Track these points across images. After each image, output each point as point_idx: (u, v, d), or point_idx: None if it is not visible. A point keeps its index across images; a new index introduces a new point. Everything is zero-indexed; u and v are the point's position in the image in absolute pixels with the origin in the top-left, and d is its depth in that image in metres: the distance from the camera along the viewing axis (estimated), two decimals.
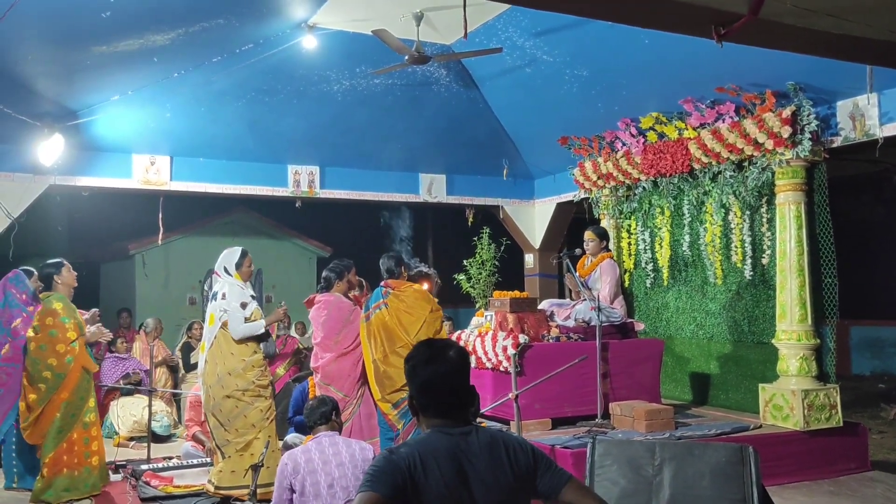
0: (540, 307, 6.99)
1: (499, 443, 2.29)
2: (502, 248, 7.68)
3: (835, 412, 6.26)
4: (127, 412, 8.16)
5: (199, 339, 9.43)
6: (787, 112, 6.19)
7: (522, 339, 6.22)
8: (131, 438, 8.02)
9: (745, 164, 6.74)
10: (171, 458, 6.92)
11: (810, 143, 6.16)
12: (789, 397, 6.23)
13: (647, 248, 8.00)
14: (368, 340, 5.93)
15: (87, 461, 5.80)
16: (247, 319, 5.53)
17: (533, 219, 10.56)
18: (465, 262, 7.36)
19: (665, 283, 7.82)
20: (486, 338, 6.57)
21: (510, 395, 5.34)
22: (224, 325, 5.51)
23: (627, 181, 8.04)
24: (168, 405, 8.81)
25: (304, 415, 4.45)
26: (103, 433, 7.74)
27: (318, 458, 4.26)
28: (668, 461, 4.36)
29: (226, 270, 5.62)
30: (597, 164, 8.35)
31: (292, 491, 4.21)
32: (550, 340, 6.49)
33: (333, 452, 4.30)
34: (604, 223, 8.46)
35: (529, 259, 10.66)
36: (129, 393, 8.50)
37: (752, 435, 6.06)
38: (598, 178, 8.37)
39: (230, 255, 5.67)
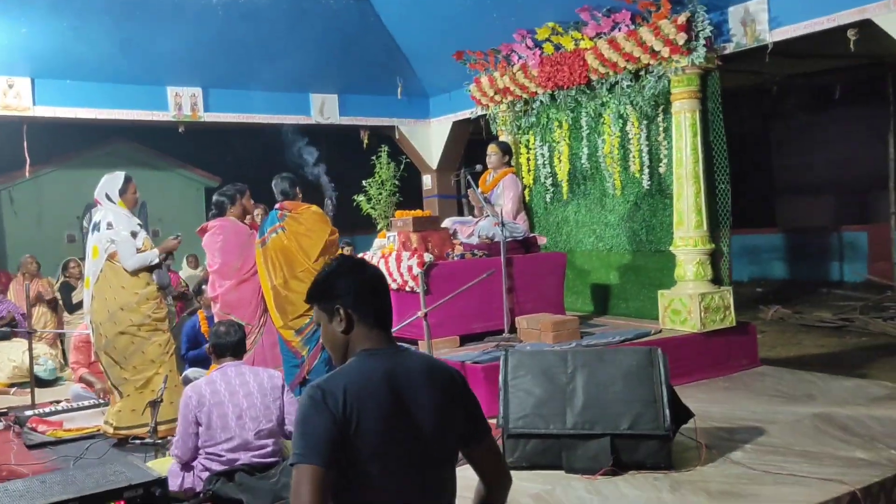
0: (443, 226, 6.87)
1: (437, 368, 2.10)
2: (402, 167, 7.48)
3: (728, 313, 6.51)
4: (4, 357, 7.60)
5: (77, 278, 8.87)
6: (681, 18, 6.17)
7: (427, 257, 6.11)
8: (12, 385, 7.50)
9: (642, 73, 6.74)
10: (59, 402, 6.50)
11: (704, 49, 6.19)
12: (687, 301, 6.42)
13: (545, 162, 7.98)
14: (266, 266, 5.67)
15: None
16: (138, 250, 5.14)
17: (429, 139, 10.35)
18: (363, 182, 7.11)
19: (565, 197, 7.85)
20: (391, 259, 6.42)
21: (419, 313, 5.24)
22: (111, 257, 5.10)
23: (525, 95, 7.93)
24: (52, 347, 8.27)
25: (211, 344, 4.20)
26: None
27: (225, 388, 4.05)
28: (580, 368, 4.40)
29: (108, 198, 5.17)
30: (493, 78, 8.18)
31: (198, 424, 4.00)
32: (455, 258, 6.41)
33: (240, 382, 4.09)
34: (502, 140, 8.36)
35: (427, 180, 10.50)
36: (5, 337, 7.90)
37: (653, 339, 6.23)
38: (495, 93, 8.22)
39: (112, 180, 5.21)
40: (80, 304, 8.74)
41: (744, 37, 6.25)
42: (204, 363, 6.75)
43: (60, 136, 10.59)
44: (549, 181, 8.00)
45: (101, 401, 6.11)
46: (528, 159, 8.16)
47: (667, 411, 4.11)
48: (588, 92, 7.34)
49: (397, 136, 10.09)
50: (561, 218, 8.14)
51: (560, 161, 7.77)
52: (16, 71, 7.66)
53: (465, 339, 6.41)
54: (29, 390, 6.71)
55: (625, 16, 6.68)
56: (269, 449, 4.07)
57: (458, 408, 2.08)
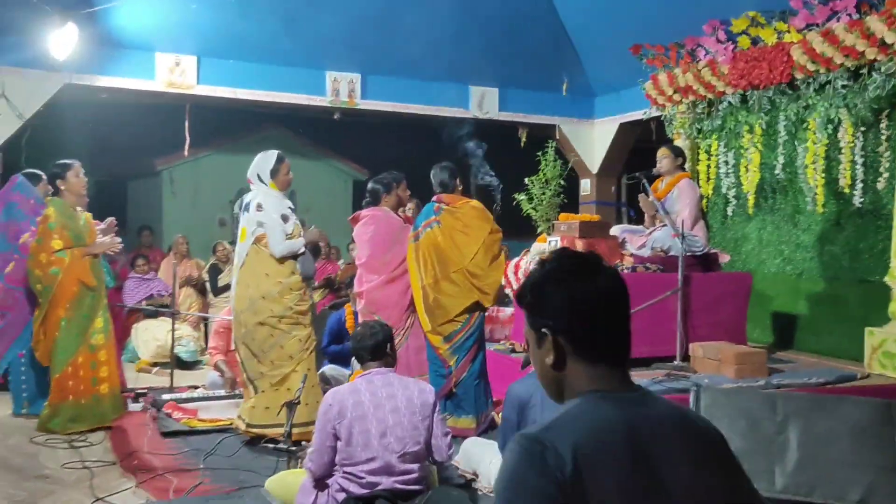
0: (611, 233, 6.14)
1: (693, 422, 1.48)
2: (569, 166, 6.78)
3: None
4: (150, 335, 7.56)
5: (224, 261, 8.80)
6: None
7: None
8: (154, 364, 7.45)
9: (864, 71, 5.74)
10: (196, 388, 6.30)
11: None
12: None
13: (729, 171, 7.06)
14: (417, 264, 5.16)
15: (95, 389, 5.16)
16: (288, 236, 4.76)
17: (592, 140, 9.58)
18: (526, 179, 6.47)
19: (750, 211, 6.90)
20: None
21: None
22: (257, 241, 4.74)
23: (710, 95, 7.05)
24: (195, 330, 8.20)
25: (351, 346, 3.72)
26: (125, 357, 7.18)
27: (369, 400, 3.53)
28: (792, 417, 3.57)
29: (259, 178, 4.82)
30: (673, 75, 7.34)
31: (336, 438, 3.49)
32: (626, 270, 5.67)
33: (387, 395, 3.56)
34: (678, 144, 7.50)
35: (586, 184, 9.74)
36: (152, 315, 7.89)
37: (859, 385, 5.24)
38: (675, 91, 7.38)
39: (264, 160, 4.86)
40: (225, 288, 8.67)
41: None
42: (345, 361, 6.37)
43: (217, 120, 10.65)
44: (731, 192, 7.07)
45: (230, 392, 5.84)
46: (709, 167, 7.26)
47: None
48: (789, 92, 6.39)
49: (557, 136, 9.39)
50: (741, 235, 7.20)
51: (747, 170, 6.84)
52: (183, 48, 7.61)
53: (630, 364, 5.65)
54: (169, 371, 6.59)
55: (848, 2, 5.71)
56: (414, 475, 3.53)
57: (724, 477, 1.45)
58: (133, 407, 5.67)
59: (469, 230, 5.06)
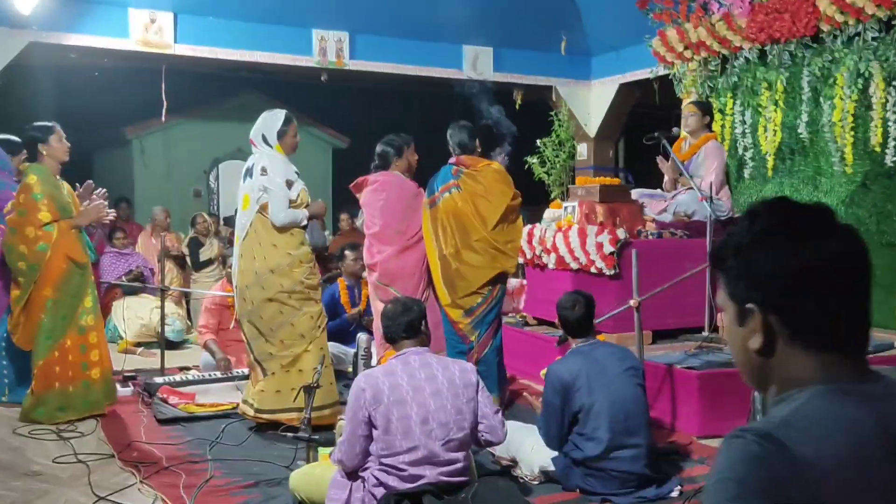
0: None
1: None
2: (586, 126, 6.38)
3: None
4: (133, 314, 7.07)
5: (205, 234, 8.32)
6: None
7: (622, 234, 5.07)
8: (138, 344, 6.97)
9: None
10: (188, 370, 5.87)
11: None
12: None
13: (746, 131, 6.74)
14: (434, 231, 4.78)
15: (86, 374, 4.69)
16: (291, 203, 4.32)
17: (588, 103, 9.18)
18: (538, 141, 6.07)
19: (770, 173, 6.60)
20: (571, 233, 5.41)
21: (631, 301, 4.22)
22: (263, 209, 4.30)
23: (724, 51, 6.70)
24: (178, 306, 7.72)
25: (383, 325, 3.32)
26: (106, 337, 6.69)
27: (408, 383, 3.15)
28: None
29: (264, 139, 4.35)
30: (684, 31, 6.98)
31: (372, 426, 3.11)
32: (651, 237, 5.34)
33: (426, 376, 3.19)
34: (687, 103, 7.15)
35: (583, 149, 9.36)
36: (133, 292, 7.38)
37: (893, 355, 5.01)
38: (686, 48, 7.01)
39: (271, 119, 4.39)
40: (207, 263, 8.19)
41: None
42: (342, 337, 5.99)
43: (192, 85, 10.06)
44: (748, 153, 6.76)
45: (224, 373, 5.42)
46: (724, 126, 6.92)
47: None
48: (814, 46, 6.06)
49: (554, 98, 9.00)
50: (757, 198, 6.88)
51: (767, 130, 6.52)
52: (159, 3, 7.03)
53: (657, 336, 5.35)
54: (156, 352, 6.15)
55: None
56: (459, 465, 3.16)
57: None
58: (122, 392, 5.22)
59: (490, 195, 4.67)
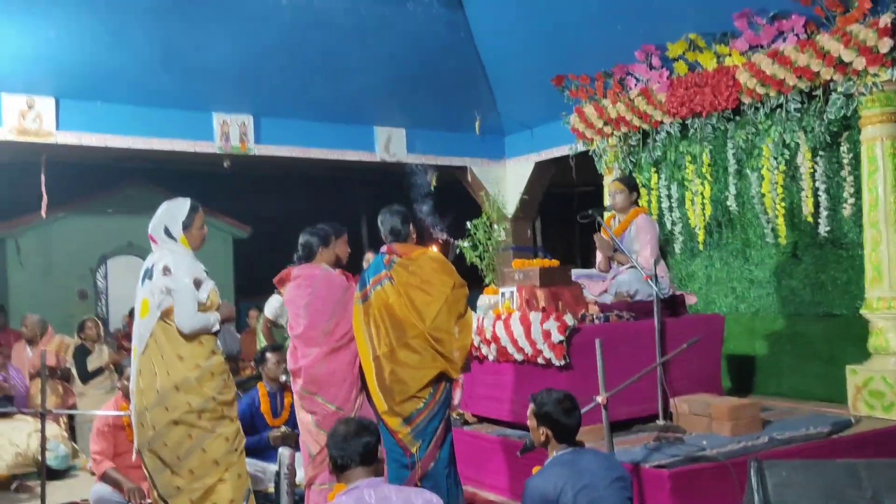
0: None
1: None
2: (519, 203, 6.04)
3: None
4: (6, 441, 6.05)
5: (94, 341, 7.41)
6: (885, 20, 4.89)
7: (569, 320, 4.66)
8: (13, 476, 5.94)
9: (818, 93, 5.42)
10: None
11: None
12: (894, 381, 4.97)
13: (673, 205, 6.60)
14: (367, 330, 4.20)
15: None
16: (201, 306, 3.68)
17: (504, 182, 8.95)
18: (468, 223, 5.68)
19: (701, 247, 6.45)
20: (513, 321, 4.97)
21: (598, 398, 3.76)
22: (166, 315, 3.64)
23: (645, 125, 6.61)
24: (60, 427, 6.73)
25: (330, 452, 2.73)
26: None
27: None
28: (886, 492, 2.92)
29: (167, 233, 3.71)
30: (602, 107, 6.87)
31: None
32: (597, 321, 4.96)
33: None
34: (610, 179, 6.99)
35: (500, 230, 9.08)
36: (4, 415, 6.37)
37: (860, 433, 4.76)
38: (605, 124, 6.91)
39: (175, 208, 3.77)
40: (97, 372, 7.27)
41: None
42: (262, 455, 5.25)
43: (76, 176, 9.29)
44: (677, 228, 6.61)
45: None
46: (650, 201, 6.78)
47: None
48: (737, 119, 6.02)
49: (469, 178, 8.72)
50: (686, 273, 6.75)
51: (694, 204, 6.39)
52: (39, 88, 6.33)
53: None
54: (35, 484, 5.21)
55: (796, 22, 5.41)
56: None
57: None
58: None
59: (428, 286, 4.16)
